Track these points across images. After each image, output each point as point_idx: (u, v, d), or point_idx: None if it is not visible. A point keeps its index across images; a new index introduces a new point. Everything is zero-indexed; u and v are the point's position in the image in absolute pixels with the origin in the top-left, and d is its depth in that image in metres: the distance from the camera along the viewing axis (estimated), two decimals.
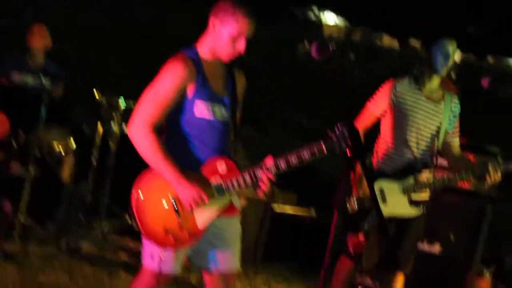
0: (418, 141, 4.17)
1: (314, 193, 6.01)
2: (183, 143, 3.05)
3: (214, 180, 3.02)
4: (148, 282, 3.15)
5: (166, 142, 3.00)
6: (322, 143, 2.92)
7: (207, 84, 3.04)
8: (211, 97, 3.05)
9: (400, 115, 4.18)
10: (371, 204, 4.10)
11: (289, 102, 8.16)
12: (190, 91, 3.00)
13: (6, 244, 5.00)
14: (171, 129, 3.07)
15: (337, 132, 2.89)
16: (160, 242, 3.03)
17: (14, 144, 5.32)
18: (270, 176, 2.98)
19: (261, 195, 3.08)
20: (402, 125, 4.19)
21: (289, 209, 5.92)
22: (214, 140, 3.07)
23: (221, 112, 3.09)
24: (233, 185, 3.01)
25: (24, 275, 4.60)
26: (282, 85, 8.09)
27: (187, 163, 3.01)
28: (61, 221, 5.46)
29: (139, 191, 3.03)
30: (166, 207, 3.00)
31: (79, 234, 5.47)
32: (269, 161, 2.99)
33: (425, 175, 4.13)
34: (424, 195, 4.18)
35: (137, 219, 3.03)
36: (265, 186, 3.00)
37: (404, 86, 4.20)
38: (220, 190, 3.02)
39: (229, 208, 3.08)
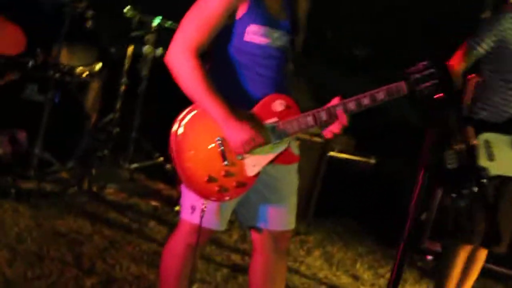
0: None
1: (375, 139, 5.26)
2: (232, 75, 2.60)
3: (270, 121, 2.57)
4: (187, 238, 2.70)
5: (212, 73, 2.55)
6: (404, 84, 2.53)
7: (262, 4, 2.57)
8: (267, 20, 2.58)
9: (507, 55, 3.54)
10: (470, 163, 3.39)
11: (340, 28, 7.21)
12: (242, 11, 2.54)
13: (19, 181, 4.32)
14: (217, 58, 2.62)
15: (423, 70, 2.50)
16: (203, 192, 2.57)
17: (32, 65, 4.54)
18: (344, 120, 2.57)
19: (329, 135, 2.63)
20: (509, 66, 3.49)
21: (347, 157, 5.15)
22: (270, 72, 2.63)
23: (279, 38, 2.62)
24: (292, 128, 2.57)
25: (40, 220, 3.95)
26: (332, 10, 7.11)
27: (237, 99, 2.56)
28: (83, 157, 4.72)
29: (180, 129, 2.54)
30: (211, 150, 2.54)
31: (104, 173, 4.76)
32: (335, 102, 2.57)
33: None
34: None
35: (176, 163, 2.55)
36: (331, 131, 2.63)
37: (510, 22, 3.45)
38: (277, 133, 2.58)
39: (286, 155, 2.63)
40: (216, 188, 2.54)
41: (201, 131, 2.55)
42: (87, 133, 4.76)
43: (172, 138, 2.54)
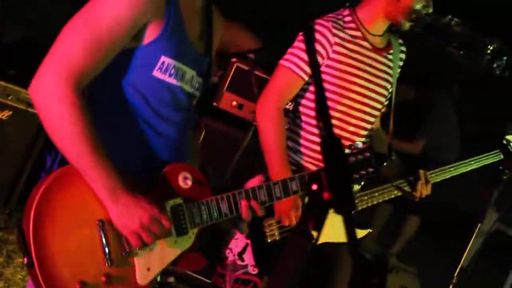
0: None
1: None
2: (118, 126, 1.89)
3: (173, 201, 1.91)
4: None
5: (96, 119, 1.80)
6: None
7: (181, 29, 1.90)
8: (184, 52, 1.92)
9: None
10: None
11: None
12: (152, 33, 1.84)
13: None
14: (106, 96, 1.89)
15: (358, 153, 2.12)
16: None
17: None
18: (256, 207, 1.98)
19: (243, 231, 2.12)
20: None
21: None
22: (173, 129, 1.97)
23: (192, 79, 1.99)
24: (202, 214, 1.94)
25: None
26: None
27: (131, 162, 1.88)
28: None
29: (42, 205, 1.73)
30: (87, 240, 1.78)
31: None
32: (253, 183, 2.02)
33: None
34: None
35: (32, 256, 1.72)
36: (246, 218, 2.00)
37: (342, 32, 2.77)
38: (182, 220, 1.91)
39: (191, 256, 1.95)
40: None
41: (74, 211, 1.76)
42: None
43: (28, 220, 1.70)
